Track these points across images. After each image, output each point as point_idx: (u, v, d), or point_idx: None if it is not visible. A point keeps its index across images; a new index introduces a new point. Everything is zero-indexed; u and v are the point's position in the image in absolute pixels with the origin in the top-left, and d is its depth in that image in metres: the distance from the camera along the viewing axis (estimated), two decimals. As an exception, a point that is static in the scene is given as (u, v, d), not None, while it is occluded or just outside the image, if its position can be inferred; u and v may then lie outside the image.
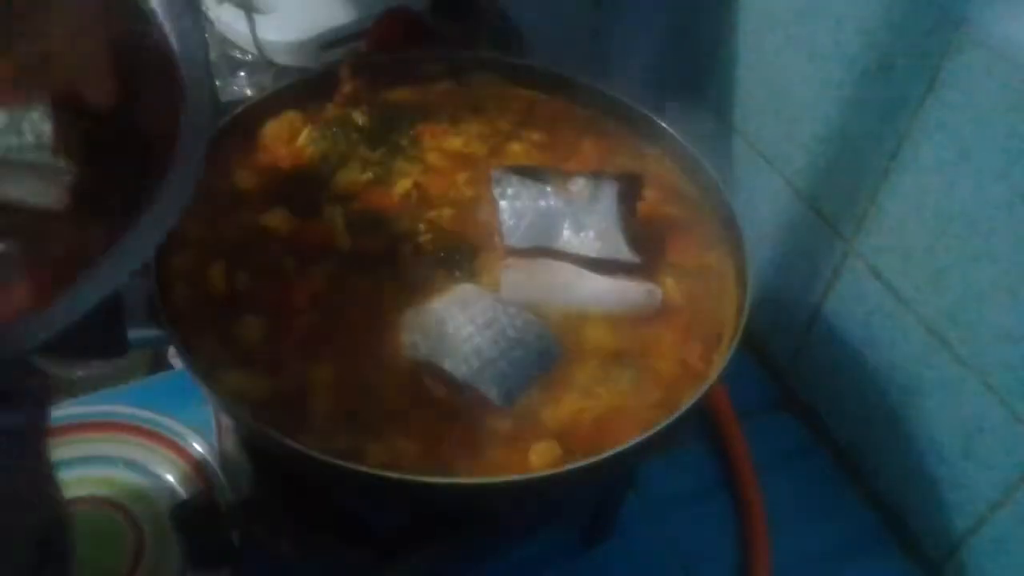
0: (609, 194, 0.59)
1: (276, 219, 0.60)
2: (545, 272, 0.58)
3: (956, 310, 0.64)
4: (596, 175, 0.61)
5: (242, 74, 0.99)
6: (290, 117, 0.67)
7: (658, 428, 0.49)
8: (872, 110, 0.67)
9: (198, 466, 0.68)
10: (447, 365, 0.52)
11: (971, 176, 0.60)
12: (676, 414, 0.50)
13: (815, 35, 0.70)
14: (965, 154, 0.60)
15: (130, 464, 0.68)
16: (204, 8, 0.83)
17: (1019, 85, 0.55)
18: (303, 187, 0.63)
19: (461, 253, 0.60)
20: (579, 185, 0.60)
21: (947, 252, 0.64)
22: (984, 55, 0.57)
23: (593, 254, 0.58)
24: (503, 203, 0.59)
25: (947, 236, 0.63)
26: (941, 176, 0.62)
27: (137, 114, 0.45)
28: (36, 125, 0.44)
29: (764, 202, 0.80)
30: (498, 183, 0.60)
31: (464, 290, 0.57)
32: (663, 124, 0.68)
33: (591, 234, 0.58)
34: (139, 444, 0.69)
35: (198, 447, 0.69)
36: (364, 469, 0.46)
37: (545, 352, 0.54)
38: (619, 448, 0.48)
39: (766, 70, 0.77)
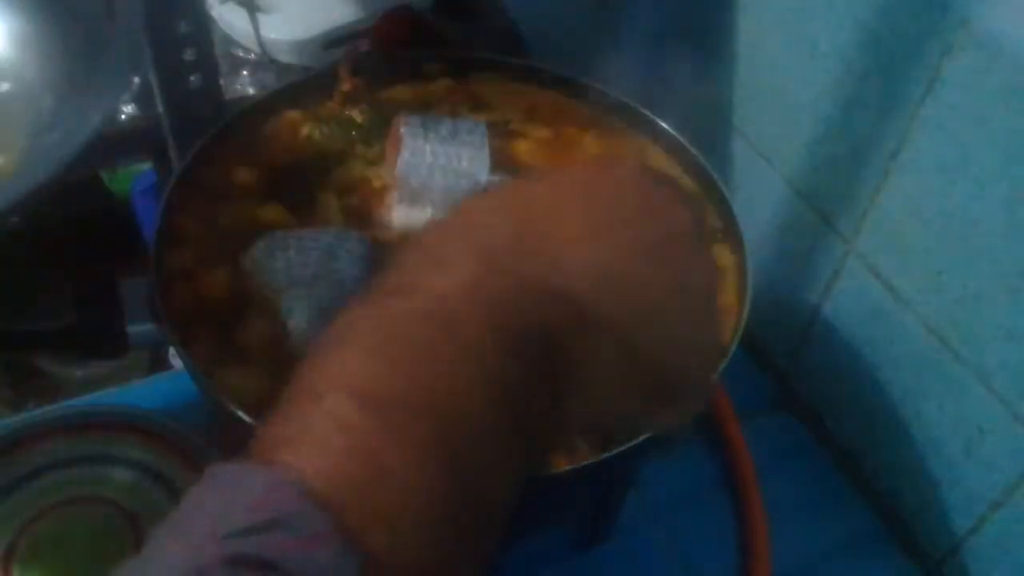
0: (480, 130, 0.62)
1: (275, 218, 0.60)
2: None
3: (956, 310, 0.64)
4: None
5: (244, 73, 0.99)
6: (290, 116, 0.67)
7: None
8: (872, 110, 0.67)
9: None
10: None
11: (971, 176, 0.60)
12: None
13: (815, 35, 0.70)
14: (965, 154, 0.60)
15: (130, 464, 0.68)
16: (207, 7, 0.83)
17: (1019, 85, 0.55)
18: (302, 186, 0.63)
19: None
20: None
21: (947, 252, 0.63)
22: (984, 55, 0.57)
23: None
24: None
25: (947, 236, 0.63)
26: (941, 176, 0.62)
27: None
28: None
29: (764, 202, 0.79)
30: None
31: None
32: (663, 124, 0.68)
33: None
34: (139, 444, 0.69)
35: (198, 447, 0.69)
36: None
37: None
38: (619, 448, 0.48)
39: (766, 70, 0.76)
